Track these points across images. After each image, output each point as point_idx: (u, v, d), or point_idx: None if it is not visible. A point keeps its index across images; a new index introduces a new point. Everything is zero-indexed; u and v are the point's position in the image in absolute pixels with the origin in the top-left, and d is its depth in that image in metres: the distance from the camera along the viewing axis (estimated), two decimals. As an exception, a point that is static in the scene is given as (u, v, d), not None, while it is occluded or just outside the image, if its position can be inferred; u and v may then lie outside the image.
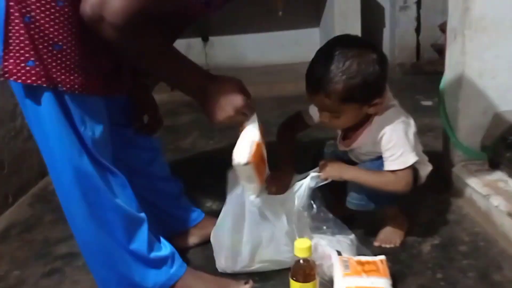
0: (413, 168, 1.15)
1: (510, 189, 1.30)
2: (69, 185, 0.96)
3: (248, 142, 1.02)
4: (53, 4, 0.85)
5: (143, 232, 1.05)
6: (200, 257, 1.27)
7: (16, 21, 0.84)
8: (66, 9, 0.86)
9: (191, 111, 2.74)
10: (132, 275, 1.03)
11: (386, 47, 3.63)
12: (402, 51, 3.52)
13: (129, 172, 1.11)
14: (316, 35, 3.62)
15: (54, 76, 0.88)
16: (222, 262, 1.18)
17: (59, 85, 0.89)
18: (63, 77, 0.89)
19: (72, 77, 0.90)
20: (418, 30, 3.50)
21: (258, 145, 1.03)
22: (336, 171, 1.14)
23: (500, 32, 1.35)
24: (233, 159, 1.01)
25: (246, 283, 1.12)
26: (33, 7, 0.84)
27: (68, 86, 0.89)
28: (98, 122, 0.98)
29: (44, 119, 0.91)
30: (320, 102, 1.10)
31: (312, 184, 1.14)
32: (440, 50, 1.48)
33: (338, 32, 3.06)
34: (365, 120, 1.15)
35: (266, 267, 1.17)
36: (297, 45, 3.56)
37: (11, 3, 0.83)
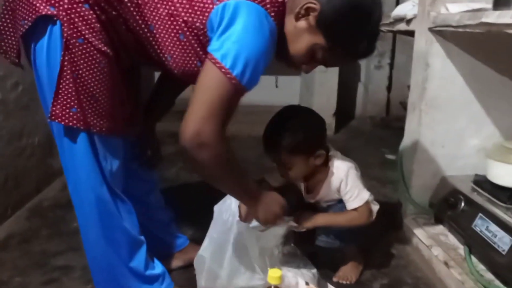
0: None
1: (449, 242, 1.54)
2: (89, 209, 1.16)
3: None
4: (96, 65, 1.05)
5: (142, 253, 1.24)
6: (183, 278, 1.44)
7: (67, 76, 1.03)
8: (105, 69, 1.06)
9: (175, 142, 2.91)
10: None
11: (359, 100, 3.92)
12: (374, 106, 3.81)
13: (130, 200, 1.30)
14: (297, 82, 3.87)
15: (89, 120, 1.08)
16: (202, 283, 1.37)
17: (91, 128, 1.09)
18: (95, 121, 1.09)
19: (102, 122, 1.10)
20: (389, 88, 3.81)
21: None
22: (311, 222, 1.35)
23: (450, 110, 1.61)
24: None
25: None
26: (81, 67, 1.03)
27: (98, 128, 1.10)
28: (116, 158, 1.18)
29: (76, 153, 1.11)
30: (275, 157, 1.34)
31: (285, 232, 1.35)
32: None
33: (317, 82, 3.36)
34: (321, 175, 1.39)
35: None
36: (278, 90, 3.80)
37: (66, 63, 1.02)
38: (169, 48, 1.08)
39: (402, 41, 3.60)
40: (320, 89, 3.33)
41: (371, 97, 3.80)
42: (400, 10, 1.85)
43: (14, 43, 1.09)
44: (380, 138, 3.26)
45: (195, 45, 1.07)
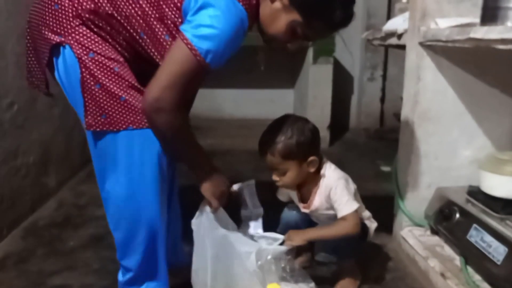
0: (364, 225, 1.45)
1: (445, 253, 1.55)
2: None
3: None
4: (112, 71, 1.15)
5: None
6: None
7: (91, 89, 1.14)
8: (121, 72, 1.16)
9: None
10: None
11: (353, 112, 3.95)
12: (368, 117, 3.83)
13: None
14: (291, 95, 3.91)
15: (124, 119, 1.15)
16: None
17: (130, 126, 1.16)
18: (132, 118, 1.16)
19: (138, 117, 1.17)
20: (382, 99, 3.84)
21: None
22: (301, 239, 1.37)
23: (442, 122, 1.63)
24: None
25: None
26: (100, 76, 1.14)
27: (137, 124, 1.17)
28: (156, 150, 1.21)
29: (112, 153, 1.19)
30: (269, 161, 1.38)
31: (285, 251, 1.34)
32: (401, 119, 1.76)
33: (311, 95, 3.39)
34: (313, 184, 1.43)
35: None
36: (272, 103, 3.80)
37: (85, 78, 1.13)
38: (159, 49, 1.19)
39: (394, 53, 3.64)
40: (313, 102, 3.35)
41: (365, 109, 3.83)
42: (391, 25, 1.88)
43: (41, 76, 1.24)
44: (374, 150, 3.29)
45: None
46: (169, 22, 1.16)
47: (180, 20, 1.15)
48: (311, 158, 1.38)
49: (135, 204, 1.24)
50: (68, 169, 2.44)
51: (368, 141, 3.58)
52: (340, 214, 1.38)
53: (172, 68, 1.12)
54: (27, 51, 1.24)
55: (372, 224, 1.51)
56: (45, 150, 2.21)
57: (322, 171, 1.42)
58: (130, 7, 1.14)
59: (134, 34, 1.17)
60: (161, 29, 1.16)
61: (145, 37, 1.17)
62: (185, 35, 1.09)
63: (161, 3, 1.14)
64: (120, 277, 1.34)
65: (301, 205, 1.50)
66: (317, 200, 1.43)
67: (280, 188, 1.52)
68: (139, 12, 1.15)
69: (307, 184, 1.44)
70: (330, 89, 3.38)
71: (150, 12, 1.15)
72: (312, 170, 1.39)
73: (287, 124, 1.37)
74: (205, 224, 1.33)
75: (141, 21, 1.15)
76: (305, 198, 1.48)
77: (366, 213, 1.51)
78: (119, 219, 1.26)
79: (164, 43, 1.18)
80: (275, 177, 1.41)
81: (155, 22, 1.16)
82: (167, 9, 1.15)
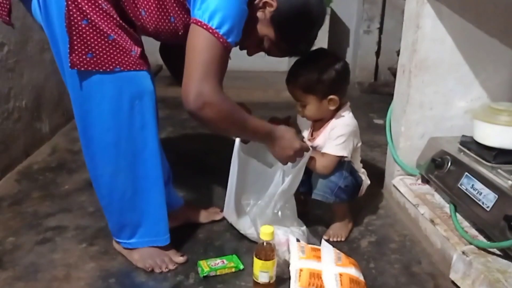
0: (360, 177, 1.47)
1: (435, 201, 1.59)
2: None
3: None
4: (101, 7, 1.08)
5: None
6: (176, 237, 1.41)
7: (77, 25, 1.06)
8: (109, 10, 1.10)
9: (164, 107, 2.89)
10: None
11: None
12: (362, 71, 3.80)
13: None
14: (286, 47, 3.86)
15: (112, 60, 1.10)
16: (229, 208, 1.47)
17: (117, 67, 1.11)
18: (119, 59, 1.11)
19: (126, 58, 1.12)
20: (378, 53, 3.79)
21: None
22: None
23: (439, 72, 1.62)
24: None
25: (182, 255, 1.36)
26: (88, 11, 1.07)
27: (124, 66, 1.12)
28: (148, 93, 1.19)
29: (97, 97, 1.14)
30: (292, 91, 1.42)
31: None
32: (396, 74, 1.73)
33: (306, 48, 3.33)
34: (327, 121, 1.43)
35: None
36: (266, 55, 3.80)
37: (71, 12, 1.05)
38: (145, 2, 1.15)
39: (392, 6, 3.58)
40: (309, 54, 3.31)
41: (360, 62, 3.80)
42: (392, -29, 1.83)
43: (5, 2, 1.13)
44: (368, 103, 3.29)
45: None
46: None
47: None
48: (331, 96, 1.38)
49: (126, 150, 1.21)
50: (61, 115, 2.42)
51: (362, 95, 3.57)
52: (325, 150, 1.40)
53: (200, 58, 1.09)
54: None
55: (366, 181, 1.53)
56: (37, 94, 2.18)
57: (339, 111, 1.42)
58: None
59: None
60: None
61: None
62: (201, 19, 1.07)
63: None
64: (120, 238, 1.34)
65: (308, 136, 1.52)
66: (321, 138, 1.44)
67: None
68: None
69: (322, 119, 1.45)
70: (326, 41, 3.33)
71: None
72: (332, 108, 1.40)
73: (316, 59, 1.39)
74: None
75: None
76: (316, 131, 1.49)
77: (362, 170, 1.53)
78: (107, 165, 1.23)
79: None
80: (298, 108, 1.44)
81: None
82: None
